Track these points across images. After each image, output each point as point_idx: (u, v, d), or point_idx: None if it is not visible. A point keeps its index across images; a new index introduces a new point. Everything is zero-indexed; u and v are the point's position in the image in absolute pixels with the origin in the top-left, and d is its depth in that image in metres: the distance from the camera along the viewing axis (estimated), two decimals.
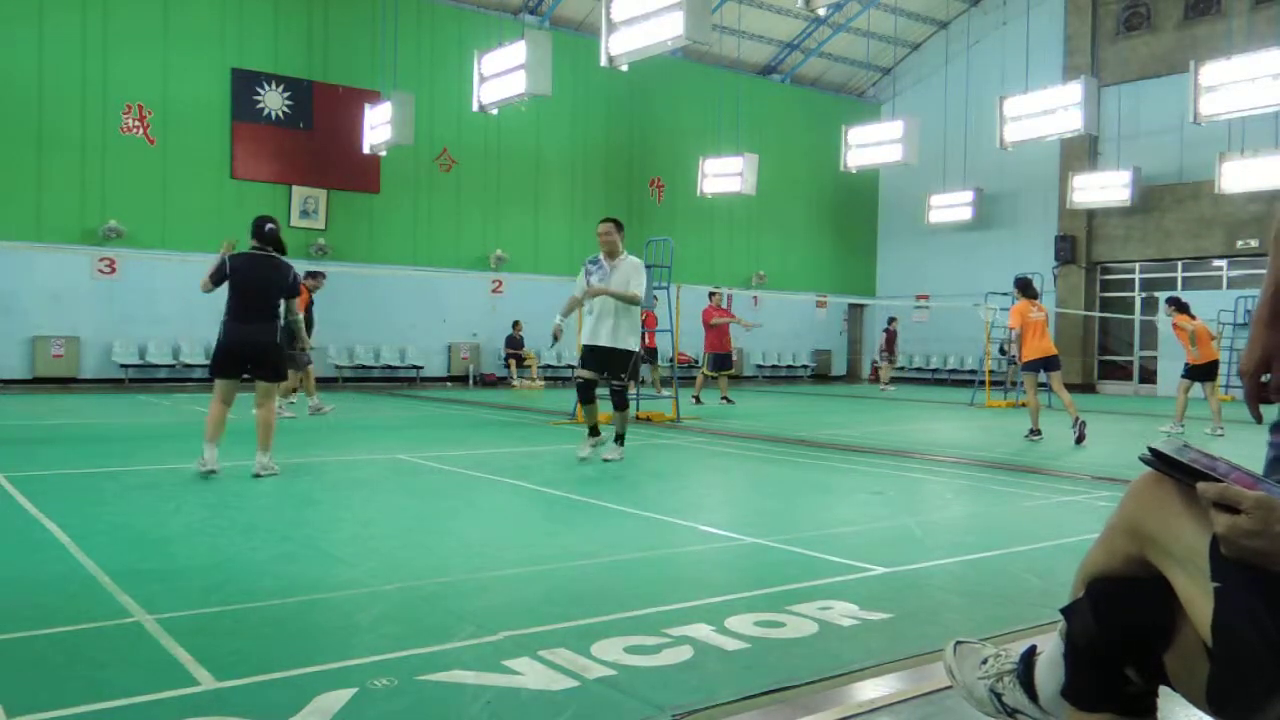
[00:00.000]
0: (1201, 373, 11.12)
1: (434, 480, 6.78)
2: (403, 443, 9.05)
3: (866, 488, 6.76)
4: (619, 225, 7.67)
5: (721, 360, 15.44)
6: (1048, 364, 10.35)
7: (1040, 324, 10.38)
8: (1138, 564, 1.59)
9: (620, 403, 7.65)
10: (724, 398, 15.48)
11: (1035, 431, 10.25)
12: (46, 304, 16.41)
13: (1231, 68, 15.44)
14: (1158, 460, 1.53)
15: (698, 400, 15.02)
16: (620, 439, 7.68)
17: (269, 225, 6.68)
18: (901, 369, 25.61)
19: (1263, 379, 1.80)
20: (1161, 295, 21.77)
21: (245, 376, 6.59)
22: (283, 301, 6.62)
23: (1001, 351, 18.07)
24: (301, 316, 6.98)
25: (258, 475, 6.40)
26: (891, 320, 22.89)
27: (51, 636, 3.03)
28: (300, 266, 15.86)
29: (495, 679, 2.68)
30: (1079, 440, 9.63)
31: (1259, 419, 1.81)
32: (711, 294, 15.89)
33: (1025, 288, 10.69)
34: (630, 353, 7.58)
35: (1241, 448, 9.39)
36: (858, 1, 22.53)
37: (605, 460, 7.47)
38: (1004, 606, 3.67)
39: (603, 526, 5.17)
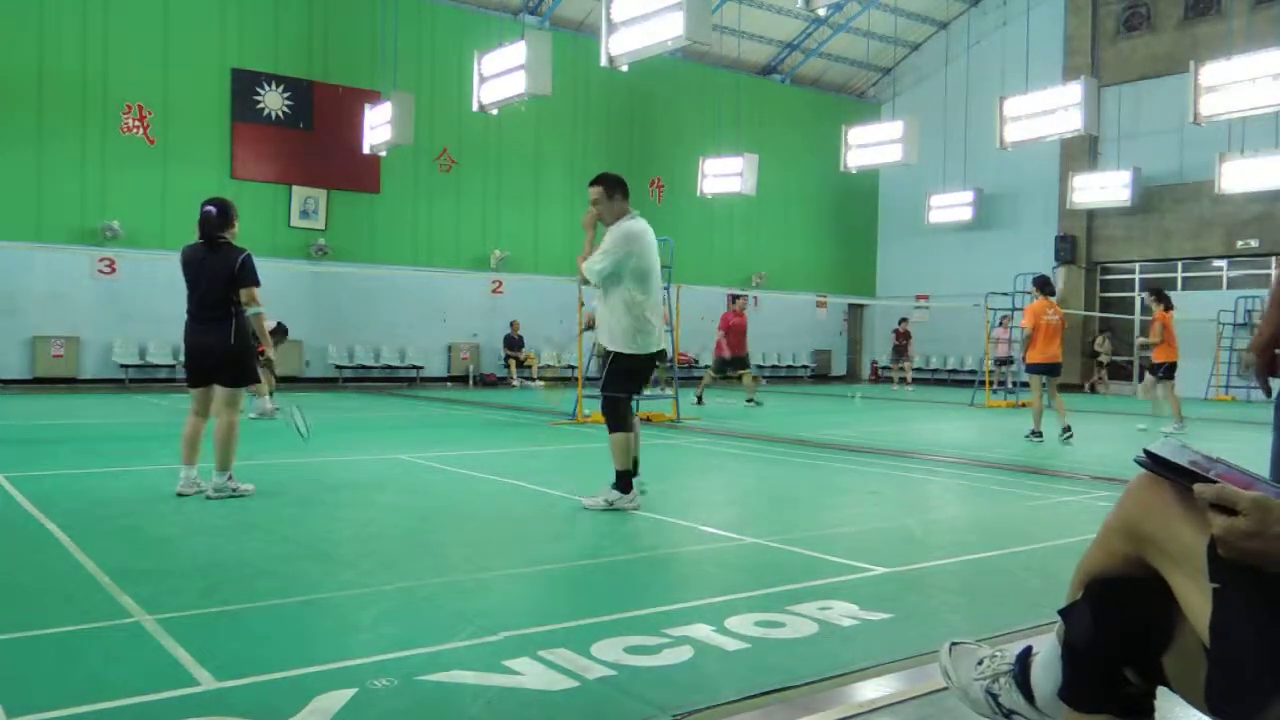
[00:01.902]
0: (1172, 370, 11.33)
1: (434, 480, 6.78)
2: (403, 443, 9.05)
3: (866, 488, 6.77)
4: (608, 187, 5.59)
5: (739, 361, 15.39)
6: (1050, 370, 10.30)
7: (1054, 328, 10.25)
8: (1135, 565, 1.59)
9: (607, 419, 5.66)
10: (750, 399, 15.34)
11: (1036, 433, 10.25)
12: (46, 304, 16.41)
13: (1231, 68, 15.42)
14: (1152, 463, 1.52)
15: (699, 401, 15.02)
16: (619, 479, 5.49)
17: (206, 208, 5.68)
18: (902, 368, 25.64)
19: (1276, 352, 1.86)
20: None
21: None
22: (242, 292, 5.73)
23: (998, 363, 18.08)
24: (262, 310, 5.89)
25: (209, 498, 5.58)
26: (902, 321, 22.91)
27: (51, 636, 3.03)
28: (300, 267, 15.79)
29: (495, 679, 2.68)
30: (1065, 439, 9.76)
31: (1267, 392, 1.85)
32: (736, 298, 15.77)
33: (1044, 285, 10.62)
34: (607, 354, 5.65)
35: (1203, 443, 9.39)
36: (858, 1, 22.53)
37: (583, 507, 5.54)
38: (1004, 606, 3.67)
39: (603, 526, 5.17)
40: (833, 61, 25.61)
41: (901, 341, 22.51)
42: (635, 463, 5.62)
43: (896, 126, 19.90)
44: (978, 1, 24.55)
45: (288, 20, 18.63)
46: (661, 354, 5.76)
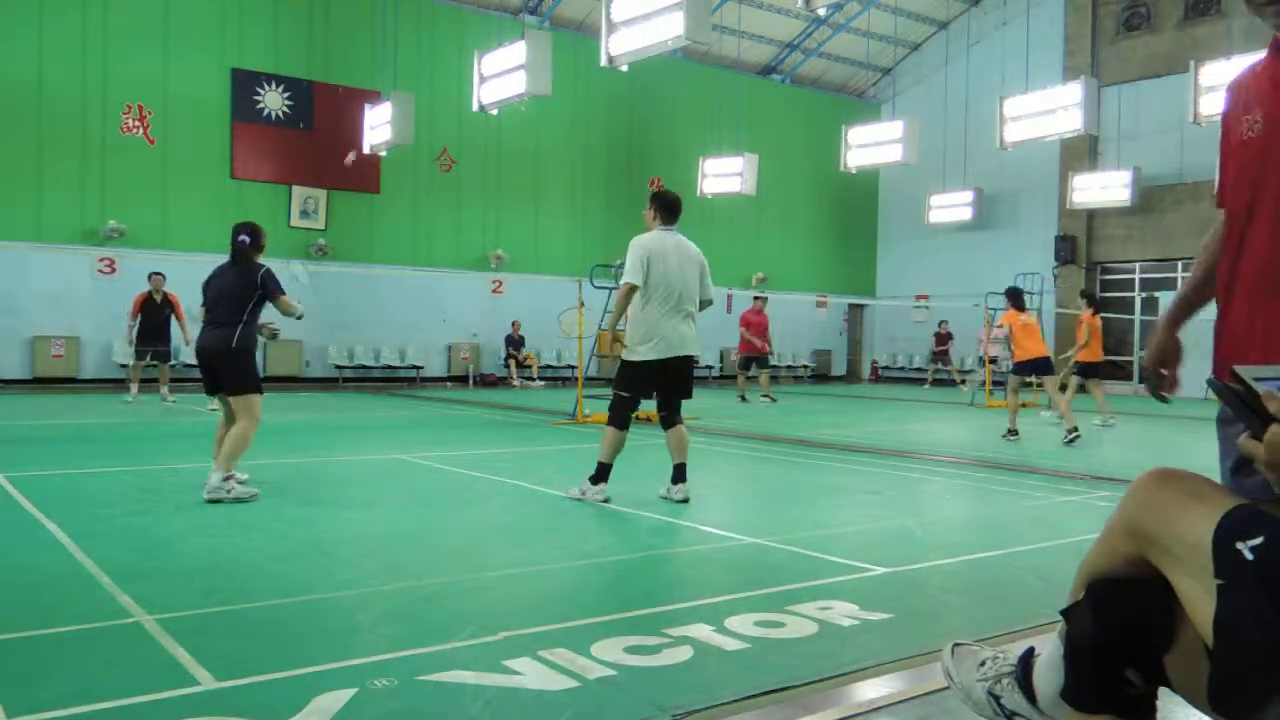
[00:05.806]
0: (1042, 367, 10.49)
1: (434, 480, 6.78)
2: (403, 443, 9.05)
3: (866, 488, 6.76)
4: (650, 204, 6.08)
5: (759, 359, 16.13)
6: (1039, 367, 10.27)
7: (1030, 326, 10.26)
8: (1138, 565, 1.59)
9: (609, 414, 6.01)
10: (765, 395, 16.07)
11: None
12: (46, 304, 16.40)
13: (1231, 68, 15.40)
14: (1237, 383, 1.40)
15: (765, 398, 15.78)
16: (598, 469, 5.82)
17: (240, 236, 5.99)
18: (902, 369, 25.72)
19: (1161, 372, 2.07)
20: (1163, 296, 21.84)
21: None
22: (267, 304, 5.96)
23: (992, 361, 18.08)
24: (296, 309, 6.08)
25: (205, 500, 5.49)
26: (942, 323, 23.26)
27: (51, 636, 3.03)
28: (302, 267, 15.85)
29: (495, 679, 2.68)
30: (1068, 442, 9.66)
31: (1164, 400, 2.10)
32: (756, 298, 16.53)
33: (1015, 298, 10.61)
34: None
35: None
36: (858, 1, 22.52)
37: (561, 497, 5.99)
38: (1004, 606, 3.67)
39: (603, 526, 5.17)
40: (833, 61, 25.60)
41: (942, 345, 22.76)
42: (681, 468, 5.80)
43: (896, 126, 19.90)
44: (978, 1, 24.54)
45: (288, 20, 18.62)
46: (676, 361, 5.78)
